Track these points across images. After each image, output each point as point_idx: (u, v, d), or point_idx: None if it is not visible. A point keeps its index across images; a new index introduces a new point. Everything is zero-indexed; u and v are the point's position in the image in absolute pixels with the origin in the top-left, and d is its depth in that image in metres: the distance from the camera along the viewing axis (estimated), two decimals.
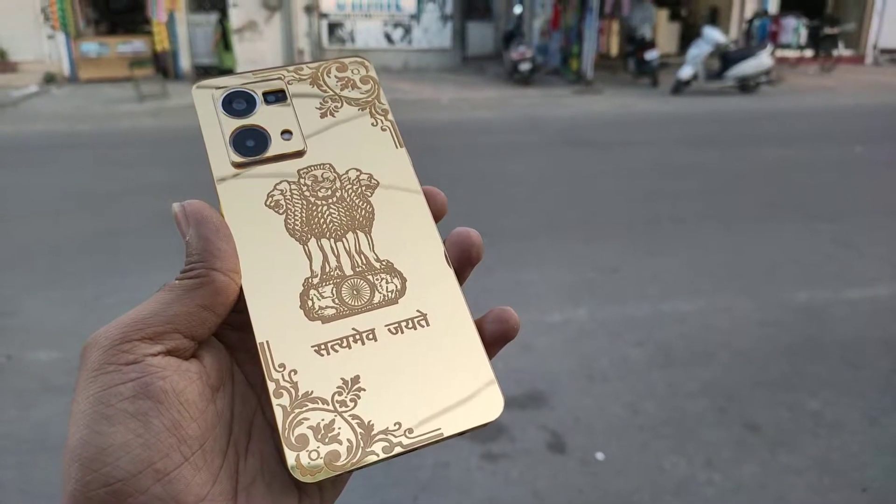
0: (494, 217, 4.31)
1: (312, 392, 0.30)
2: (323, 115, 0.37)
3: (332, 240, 0.34)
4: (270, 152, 0.35)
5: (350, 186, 0.35)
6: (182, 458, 0.28)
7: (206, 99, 0.36)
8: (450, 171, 5.54)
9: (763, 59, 10.21)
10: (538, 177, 5.42)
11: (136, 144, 6.78)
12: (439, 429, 0.30)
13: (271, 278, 0.32)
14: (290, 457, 0.29)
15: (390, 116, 0.38)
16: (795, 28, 13.44)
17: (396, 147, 0.37)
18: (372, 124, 0.37)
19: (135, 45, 11.73)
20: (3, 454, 2.04)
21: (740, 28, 13.58)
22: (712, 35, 10.40)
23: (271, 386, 0.30)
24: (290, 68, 0.38)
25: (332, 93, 0.37)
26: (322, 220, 0.34)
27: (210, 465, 0.29)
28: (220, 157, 0.35)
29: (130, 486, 0.26)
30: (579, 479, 1.94)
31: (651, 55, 11.20)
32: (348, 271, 0.33)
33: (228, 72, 11.65)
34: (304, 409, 0.30)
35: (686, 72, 10.34)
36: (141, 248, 3.78)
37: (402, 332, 0.32)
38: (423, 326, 0.32)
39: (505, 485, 1.93)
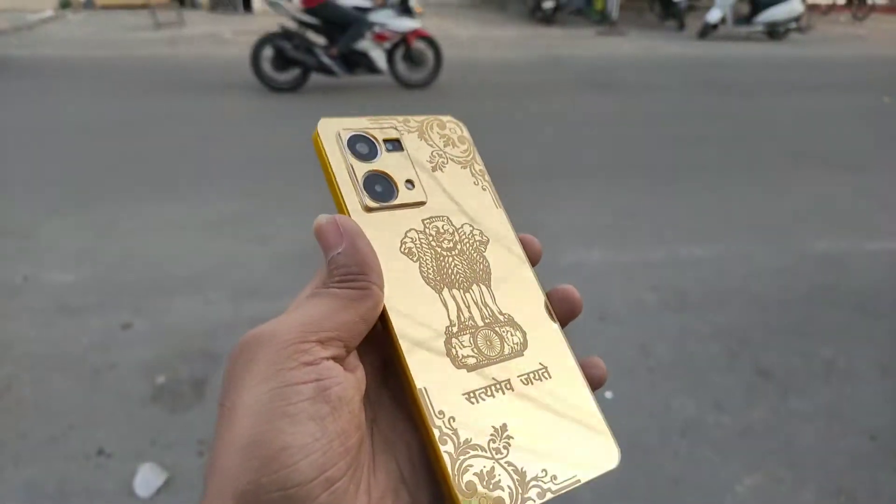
0: (512, 157, 4.25)
1: (472, 439, 0.32)
2: (434, 169, 0.40)
3: (461, 291, 0.36)
4: (398, 200, 0.37)
5: (467, 241, 0.38)
6: (346, 468, 0.28)
7: (331, 135, 0.38)
8: (468, 110, 5.45)
9: (794, 5, 9.88)
10: (558, 119, 5.32)
11: (151, 72, 6.70)
12: (576, 476, 0.33)
13: (418, 323, 0.34)
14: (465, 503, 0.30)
15: (487, 177, 0.41)
16: None
17: (496, 207, 0.41)
18: (473, 183, 0.41)
19: None
20: (22, 371, 2.07)
21: None
22: None
23: (436, 433, 0.31)
24: (400, 119, 0.41)
25: (437, 148, 0.41)
26: (450, 270, 0.37)
27: (359, 478, 0.29)
28: (353, 197, 0.37)
29: (304, 492, 0.26)
30: None
31: None
32: (479, 322, 0.36)
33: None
34: (468, 455, 0.31)
35: (714, 15, 10.04)
36: (155, 176, 3.78)
37: (532, 384, 0.35)
38: (546, 378, 0.35)
39: None
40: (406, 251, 0.36)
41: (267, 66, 5.61)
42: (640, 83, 6.78)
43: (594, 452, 0.34)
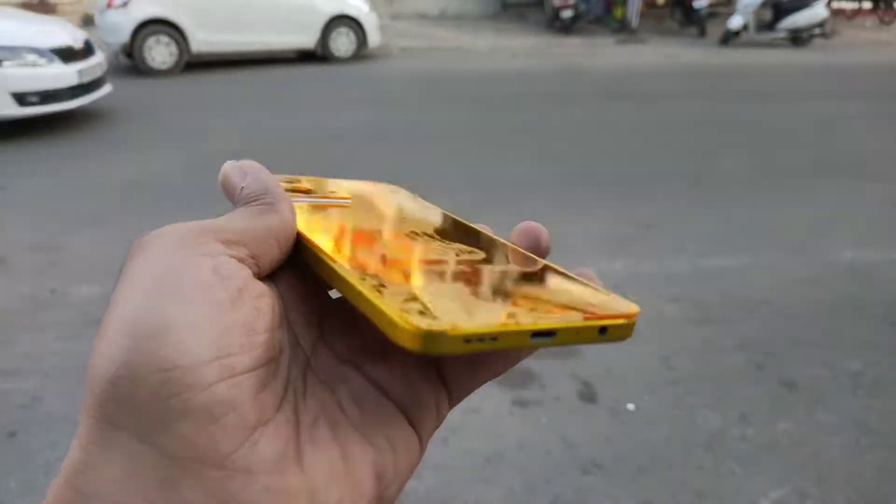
0: (531, 167, 4.25)
1: (413, 291, 0.25)
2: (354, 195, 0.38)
3: (405, 235, 0.32)
4: (320, 196, 0.36)
5: (406, 215, 0.36)
6: (252, 364, 0.22)
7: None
8: (487, 121, 5.47)
9: (818, 11, 9.80)
10: (577, 128, 5.32)
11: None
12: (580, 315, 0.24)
13: (349, 248, 0.30)
14: (400, 320, 0.22)
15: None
16: None
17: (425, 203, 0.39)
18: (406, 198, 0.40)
19: None
20: (49, 384, 2.11)
21: None
22: None
23: (362, 281, 0.25)
24: (317, 179, 0.40)
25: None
26: (388, 216, 0.36)
27: (275, 388, 0.24)
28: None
29: (191, 376, 0.20)
30: (609, 428, 1.94)
31: (700, 3, 10.83)
32: (419, 243, 0.31)
33: None
34: (404, 288, 0.25)
35: (736, 21, 9.98)
36: (183, 190, 3.83)
37: (508, 265, 0.29)
38: (527, 266, 0.29)
39: (534, 430, 1.94)
40: (334, 213, 0.34)
41: None
42: (660, 91, 6.75)
43: (600, 302, 0.25)
